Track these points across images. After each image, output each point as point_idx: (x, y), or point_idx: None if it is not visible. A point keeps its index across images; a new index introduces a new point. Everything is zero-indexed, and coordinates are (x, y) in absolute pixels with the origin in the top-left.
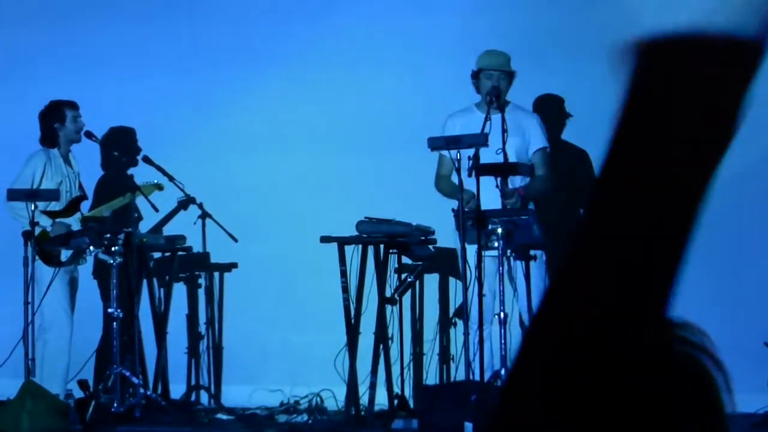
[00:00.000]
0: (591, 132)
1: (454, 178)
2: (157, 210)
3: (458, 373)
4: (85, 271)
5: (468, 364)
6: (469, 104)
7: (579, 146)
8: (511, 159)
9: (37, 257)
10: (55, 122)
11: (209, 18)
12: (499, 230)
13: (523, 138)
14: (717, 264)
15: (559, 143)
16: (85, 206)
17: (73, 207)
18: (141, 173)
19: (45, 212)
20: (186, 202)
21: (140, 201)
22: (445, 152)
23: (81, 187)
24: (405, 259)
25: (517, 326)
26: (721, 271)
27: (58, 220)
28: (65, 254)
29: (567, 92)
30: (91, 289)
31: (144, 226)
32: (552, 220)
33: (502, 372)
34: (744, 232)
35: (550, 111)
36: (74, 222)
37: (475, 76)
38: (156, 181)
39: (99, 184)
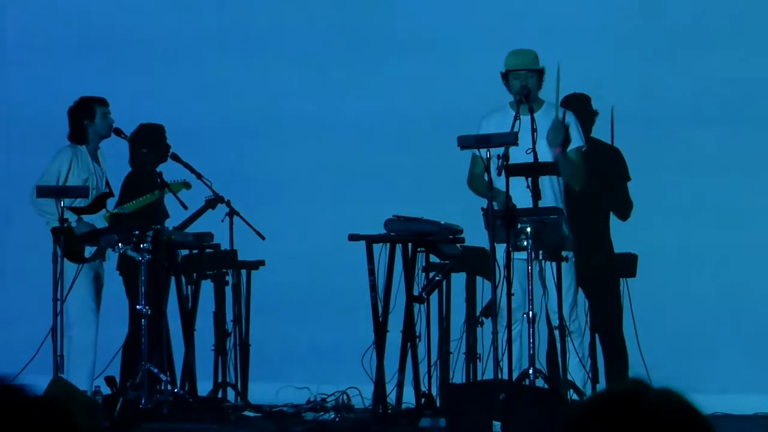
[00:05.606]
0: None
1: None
2: (186, 207)
3: (485, 372)
4: (109, 266)
5: (496, 363)
6: (504, 102)
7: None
8: (543, 159)
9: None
10: (85, 119)
11: (236, 11)
12: (528, 229)
13: None
14: (724, 265)
15: (591, 141)
16: (110, 203)
17: (98, 204)
18: (169, 171)
19: (70, 209)
20: (214, 201)
21: (168, 198)
22: (476, 151)
23: (108, 184)
24: (433, 258)
25: (545, 326)
26: (728, 272)
27: (82, 217)
28: (89, 251)
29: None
30: (115, 285)
31: (171, 224)
32: (579, 221)
33: (530, 371)
34: (751, 235)
35: (577, 111)
36: (98, 219)
37: (504, 77)
38: (184, 179)
39: (126, 181)
